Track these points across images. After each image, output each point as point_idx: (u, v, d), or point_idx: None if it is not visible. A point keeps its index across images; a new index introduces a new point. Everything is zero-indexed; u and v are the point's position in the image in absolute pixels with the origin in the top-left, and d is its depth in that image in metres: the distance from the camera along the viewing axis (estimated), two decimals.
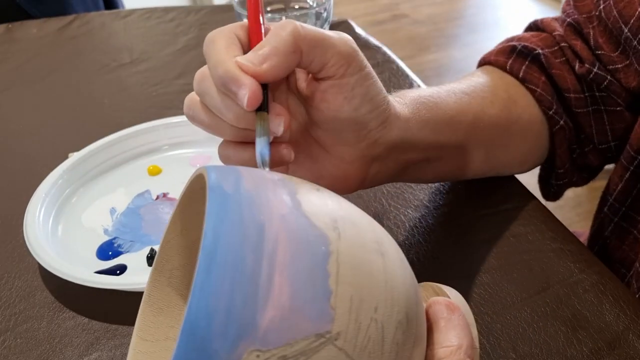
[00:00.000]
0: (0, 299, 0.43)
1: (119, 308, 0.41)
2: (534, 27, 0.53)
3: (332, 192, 0.26)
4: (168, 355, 0.29)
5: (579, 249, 0.43)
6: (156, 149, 0.56)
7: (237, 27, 0.32)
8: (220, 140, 0.34)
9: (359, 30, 0.77)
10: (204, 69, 0.32)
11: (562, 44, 0.49)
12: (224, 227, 0.19)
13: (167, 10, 0.88)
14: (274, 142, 0.32)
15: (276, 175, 0.24)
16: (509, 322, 0.38)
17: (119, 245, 0.46)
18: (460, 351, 0.25)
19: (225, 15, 0.83)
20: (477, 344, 0.28)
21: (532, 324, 0.38)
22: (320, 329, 0.20)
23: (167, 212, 0.49)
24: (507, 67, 0.49)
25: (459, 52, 2.33)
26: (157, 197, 0.51)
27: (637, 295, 0.46)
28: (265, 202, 0.21)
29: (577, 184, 0.54)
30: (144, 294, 0.29)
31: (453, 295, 0.29)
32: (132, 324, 0.29)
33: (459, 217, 0.47)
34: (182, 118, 0.57)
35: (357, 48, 0.33)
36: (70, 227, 0.48)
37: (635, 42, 0.44)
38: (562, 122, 0.48)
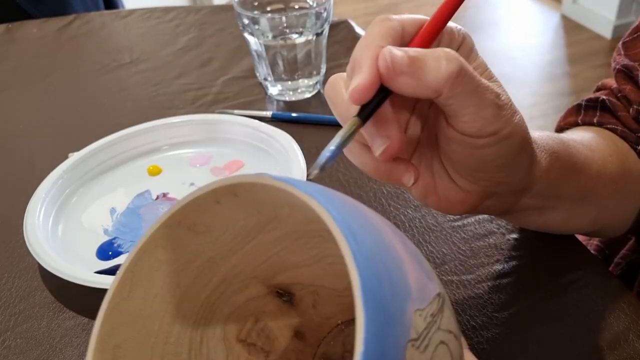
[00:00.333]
0: (0, 299, 0.43)
1: None
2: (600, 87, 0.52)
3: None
4: None
5: (579, 249, 0.43)
6: (156, 149, 0.56)
7: (407, 21, 0.29)
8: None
9: (358, 30, 0.77)
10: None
11: (619, 94, 0.47)
12: (336, 203, 0.19)
13: (167, 10, 0.88)
14: (398, 159, 0.30)
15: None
16: (509, 322, 0.38)
17: (119, 245, 0.46)
18: (463, 348, 0.26)
19: (225, 15, 0.83)
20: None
21: (532, 324, 0.38)
22: (436, 289, 0.21)
23: None
24: (580, 122, 0.47)
25: None
26: (157, 197, 0.51)
27: None
28: (340, 195, 0.22)
29: None
30: None
31: None
32: None
33: (459, 217, 0.47)
34: (182, 118, 0.57)
35: (504, 108, 0.29)
36: (70, 227, 0.48)
37: None
38: None
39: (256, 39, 0.62)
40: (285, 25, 0.61)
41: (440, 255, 0.44)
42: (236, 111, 0.61)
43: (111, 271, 0.43)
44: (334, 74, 0.32)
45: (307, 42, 0.62)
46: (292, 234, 0.27)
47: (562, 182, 0.37)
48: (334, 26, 0.77)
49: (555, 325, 0.38)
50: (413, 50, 0.27)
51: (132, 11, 0.89)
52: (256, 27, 0.61)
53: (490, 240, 0.45)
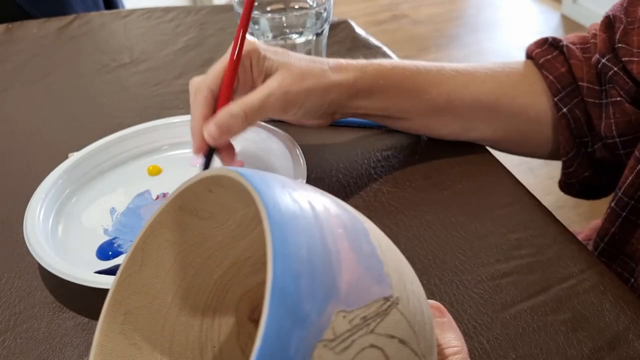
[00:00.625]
0: (0, 299, 0.43)
1: None
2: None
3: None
4: None
5: (579, 250, 0.43)
6: (156, 149, 0.56)
7: (213, 83, 0.45)
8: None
9: (358, 30, 0.77)
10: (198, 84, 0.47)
11: (592, 41, 0.52)
12: (283, 202, 0.20)
13: (167, 10, 0.88)
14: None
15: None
16: (509, 322, 0.38)
17: (119, 245, 0.46)
18: (464, 352, 0.26)
19: (224, 15, 0.83)
20: None
21: (532, 324, 0.38)
22: (385, 292, 0.21)
23: None
24: (533, 54, 0.54)
25: (459, 52, 2.33)
26: (157, 197, 0.51)
27: None
28: (302, 186, 0.23)
29: (597, 181, 0.55)
30: (94, 345, 0.27)
31: None
32: None
33: (459, 216, 0.47)
34: (182, 118, 0.57)
35: (289, 94, 0.45)
36: (70, 227, 0.48)
37: None
38: (565, 110, 0.51)
39: (256, 39, 0.62)
40: (285, 25, 0.61)
41: (440, 255, 0.44)
42: None
43: (111, 271, 0.43)
44: None
45: (307, 42, 0.62)
46: None
47: (389, 95, 0.50)
48: (334, 26, 0.77)
49: (555, 325, 0.38)
50: (216, 120, 0.44)
51: (132, 11, 0.89)
52: (256, 27, 0.61)
53: (490, 240, 0.45)
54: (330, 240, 0.20)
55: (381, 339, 0.20)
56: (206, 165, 0.46)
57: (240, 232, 0.28)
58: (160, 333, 0.28)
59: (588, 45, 0.52)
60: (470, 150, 0.54)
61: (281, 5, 0.64)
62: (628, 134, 0.49)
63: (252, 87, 0.47)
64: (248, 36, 0.47)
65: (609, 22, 0.50)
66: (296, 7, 0.64)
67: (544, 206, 0.48)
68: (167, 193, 0.52)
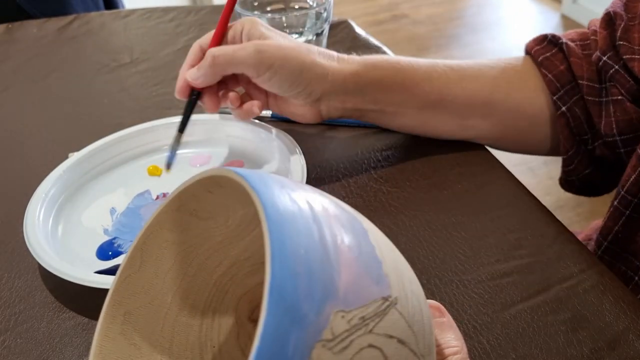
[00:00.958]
0: (0, 299, 0.43)
1: None
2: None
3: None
4: None
5: (579, 250, 0.43)
6: (156, 149, 0.56)
7: (203, 41, 0.49)
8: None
9: (358, 30, 0.77)
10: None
11: (592, 38, 0.51)
12: (281, 202, 0.20)
13: (167, 10, 0.88)
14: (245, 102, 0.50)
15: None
16: (509, 322, 0.38)
17: (119, 245, 0.46)
18: (464, 352, 0.26)
19: None
20: None
21: (532, 324, 0.38)
22: (384, 292, 0.21)
23: None
24: (532, 52, 0.53)
25: (459, 52, 2.33)
26: (158, 197, 0.51)
27: None
28: (301, 186, 0.23)
29: (599, 178, 0.55)
30: (94, 345, 0.26)
31: None
32: None
33: (459, 217, 0.47)
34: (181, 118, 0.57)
35: (263, 53, 0.45)
36: (70, 227, 0.48)
37: None
38: (564, 109, 0.51)
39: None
40: (285, 25, 0.61)
41: (440, 255, 0.44)
42: None
43: (111, 271, 0.43)
44: None
45: (307, 42, 0.62)
46: None
47: (379, 89, 0.50)
48: (334, 26, 0.77)
49: (555, 325, 0.38)
50: (198, 64, 0.48)
51: (132, 11, 0.89)
52: None
53: (490, 240, 0.45)
54: (328, 240, 0.20)
55: (380, 339, 0.20)
56: (188, 109, 0.50)
57: (240, 232, 0.28)
58: (160, 333, 0.28)
59: (588, 41, 0.52)
60: (470, 150, 0.54)
61: (281, 5, 0.64)
62: (628, 133, 0.49)
63: None
64: (254, 18, 0.50)
65: (609, 19, 0.50)
66: (296, 7, 0.64)
67: (543, 206, 0.48)
68: (167, 193, 0.51)
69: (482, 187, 0.50)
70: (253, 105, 0.49)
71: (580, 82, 0.51)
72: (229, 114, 0.60)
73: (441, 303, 0.39)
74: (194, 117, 0.57)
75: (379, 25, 2.57)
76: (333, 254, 0.19)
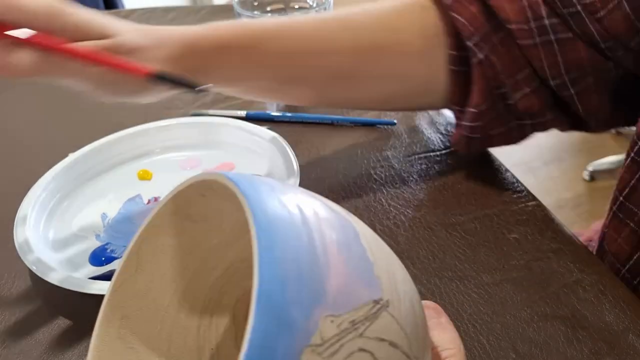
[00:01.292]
0: (0, 299, 0.43)
1: None
2: None
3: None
4: None
5: (579, 249, 0.43)
6: (146, 152, 0.55)
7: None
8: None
9: None
10: None
11: None
12: (270, 207, 0.20)
13: (167, 10, 0.88)
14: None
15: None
16: (509, 322, 0.38)
17: (112, 251, 0.46)
18: (461, 354, 0.26)
19: (225, 15, 0.83)
20: None
21: (532, 323, 0.38)
22: (375, 295, 0.20)
23: None
24: None
25: None
26: (149, 201, 0.51)
27: None
28: (292, 189, 0.23)
29: (501, 140, 0.50)
30: (91, 350, 0.26)
31: None
32: None
33: (458, 216, 0.47)
34: (172, 121, 0.56)
35: (54, 7, 0.37)
36: (61, 233, 0.48)
37: None
38: (481, 56, 0.46)
39: None
40: None
41: (440, 255, 0.44)
42: (210, 111, 0.62)
43: (106, 277, 0.43)
44: None
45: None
46: None
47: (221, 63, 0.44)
48: None
49: (555, 325, 0.38)
50: None
51: (132, 11, 0.89)
52: None
53: (490, 239, 0.45)
54: (318, 244, 0.20)
55: (370, 343, 0.20)
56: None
57: (235, 234, 0.28)
58: (158, 336, 0.28)
59: None
60: None
61: (281, 6, 0.64)
62: (577, 71, 0.45)
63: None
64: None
65: None
66: (296, 7, 0.64)
67: (543, 206, 0.48)
68: (159, 197, 0.51)
69: (481, 187, 0.50)
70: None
71: (509, 26, 0.45)
72: (203, 114, 0.59)
73: (441, 303, 0.39)
74: (183, 120, 0.56)
75: None
76: (322, 258, 0.19)
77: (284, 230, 0.19)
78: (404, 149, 0.55)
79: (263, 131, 0.53)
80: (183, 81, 0.40)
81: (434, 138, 0.56)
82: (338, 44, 0.47)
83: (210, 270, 0.30)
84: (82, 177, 0.53)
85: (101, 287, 0.39)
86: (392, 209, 0.48)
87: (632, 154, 0.44)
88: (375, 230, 0.46)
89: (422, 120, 0.59)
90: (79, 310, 0.41)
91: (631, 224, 0.44)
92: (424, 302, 0.28)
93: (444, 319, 0.28)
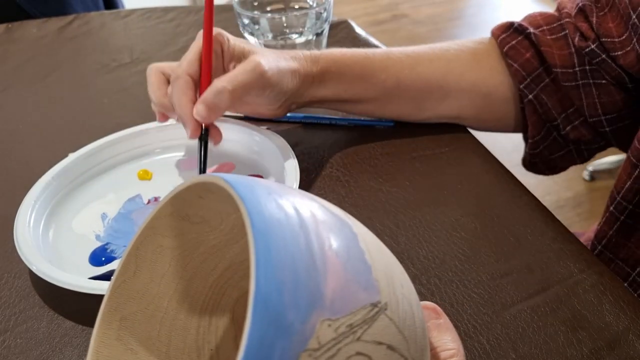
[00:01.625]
0: (0, 299, 0.43)
1: None
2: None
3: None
4: None
5: (579, 250, 0.43)
6: (146, 152, 0.55)
7: (189, 68, 0.47)
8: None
9: (358, 30, 0.77)
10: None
11: (566, 20, 0.53)
12: (267, 210, 0.20)
13: (166, 10, 0.88)
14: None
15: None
16: (509, 322, 0.38)
17: (111, 251, 0.46)
18: (461, 355, 0.26)
19: (225, 15, 0.83)
20: None
21: (532, 324, 0.38)
22: (372, 298, 0.20)
23: None
24: (498, 40, 0.55)
25: None
26: (149, 202, 0.51)
27: None
28: (290, 191, 0.22)
29: (566, 161, 0.58)
30: (90, 352, 0.26)
31: None
32: None
33: (459, 217, 0.47)
34: (172, 121, 0.56)
35: (269, 72, 0.46)
36: (61, 232, 0.48)
37: None
38: (530, 96, 0.54)
39: (256, 39, 0.62)
40: (285, 25, 0.61)
41: (440, 255, 0.44)
42: None
43: (106, 277, 0.43)
44: None
45: (307, 42, 0.62)
46: None
47: (340, 82, 0.52)
48: (334, 26, 0.77)
49: (555, 325, 0.38)
50: (203, 99, 0.45)
51: (132, 11, 0.89)
52: (256, 27, 0.61)
53: (490, 239, 0.45)
54: (315, 247, 0.20)
55: (368, 346, 0.20)
56: (204, 149, 0.47)
57: (234, 235, 0.28)
58: (157, 338, 0.28)
59: (556, 24, 0.53)
60: (471, 150, 0.54)
61: (281, 5, 0.64)
62: (613, 112, 0.52)
63: (224, 72, 0.48)
64: (218, 28, 0.49)
65: (584, 14, 0.52)
66: (296, 7, 0.64)
67: (543, 206, 0.48)
68: (159, 197, 0.51)
69: (482, 186, 0.50)
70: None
71: (555, 69, 0.52)
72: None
73: (441, 303, 0.39)
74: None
75: (379, 25, 2.57)
76: (320, 261, 0.19)
77: (281, 234, 0.19)
78: (403, 149, 0.55)
79: (263, 131, 0.53)
80: (203, 158, 0.47)
81: (433, 138, 0.56)
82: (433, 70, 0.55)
83: (209, 271, 0.30)
84: (82, 177, 0.52)
85: (101, 287, 0.39)
86: (392, 209, 0.48)
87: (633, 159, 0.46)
88: (375, 230, 0.46)
89: None
90: (79, 311, 0.41)
91: None
92: (424, 302, 0.28)
93: (444, 319, 0.28)
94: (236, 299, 0.31)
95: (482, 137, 0.57)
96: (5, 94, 0.71)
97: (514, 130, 0.59)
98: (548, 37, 0.53)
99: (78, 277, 0.40)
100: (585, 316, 0.38)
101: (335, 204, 0.25)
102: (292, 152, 0.50)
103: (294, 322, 0.18)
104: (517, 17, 0.57)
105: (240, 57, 0.48)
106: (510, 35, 0.55)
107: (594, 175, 1.69)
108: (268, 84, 0.47)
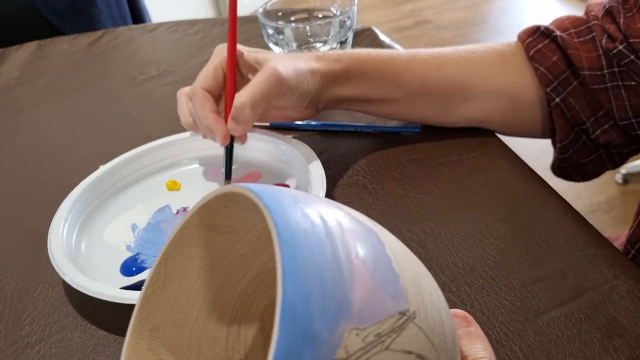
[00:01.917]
0: (35, 309, 0.44)
1: None
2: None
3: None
4: None
5: (613, 254, 0.42)
6: (174, 163, 0.56)
7: (204, 83, 0.48)
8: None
9: (382, 37, 0.77)
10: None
11: (593, 22, 0.52)
12: (293, 219, 0.20)
13: (192, 23, 0.89)
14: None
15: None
16: (542, 330, 0.38)
17: (142, 261, 0.46)
18: None
19: (249, 25, 0.84)
20: None
21: (566, 331, 0.37)
22: (401, 307, 0.20)
23: None
24: (524, 44, 0.54)
25: None
26: (178, 212, 0.51)
27: None
28: (316, 200, 0.22)
29: (596, 166, 0.57)
30: None
31: None
32: None
33: (488, 222, 0.46)
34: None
35: (286, 77, 0.47)
36: (93, 243, 0.48)
37: None
38: (557, 100, 0.53)
39: (281, 49, 0.62)
40: (309, 34, 0.61)
41: (470, 262, 0.43)
42: None
43: (137, 286, 0.43)
44: None
45: (332, 50, 0.62)
46: None
47: (364, 81, 0.52)
48: (357, 34, 0.77)
49: (590, 332, 0.37)
50: (231, 116, 0.47)
51: (159, 25, 0.91)
52: (281, 37, 0.62)
53: (521, 245, 0.44)
54: (342, 256, 0.19)
55: (397, 355, 0.19)
56: (228, 155, 0.50)
57: (261, 244, 0.28)
58: (187, 347, 0.29)
59: (583, 27, 0.53)
60: (498, 154, 0.54)
61: (305, 15, 0.65)
62: None
63: (244, 82, 0.49)
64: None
65: (611, 16, 0.51)
66: (320, 16, 0.64)
67: (575, 210, 0.47)
68: (187, 207, 0.52)
69: (511, 191, 0.49)
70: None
71: (582, 72, 0.51)
72: None
73: (471, 311, 0.38)
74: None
75: (402, 31, 2.56)
76: (346, 270, 0.19)
77: (307, 243, 0.19)
78: (430, 155, 0.54)
79: (290, 140, 0.53)
80: (228, 165, 0.50)
81: (460, 143, 0.55)
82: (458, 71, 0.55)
83: (238, 280, 0.30)
84: (113, 188, 0.54)
85: (132, 297, 0.40)
86: (419, 215, 0.48)
87: None
88: (403, 237, 0.46)
89: None
90: (112, 320, 0.42)
91: None
92: (454, 310, 0.28)
93: (474, 327, 0.27)
94: (264, 307, 0.31)
95: (510, 141, 0.56)
96: (38, 109, 0.73)
97: (542, 135, 0.58)
98: (575, 40, 0.52)
99: (110, 287, 0.41)
100: (621, 323, 0.37)
101: (361, 211, 0.25)
102: (318, 160, 0.50)
103: (321, 331, 0.17)
104: (542, 19, 0.56)
105: (258, 64, 0.49)
106: (537, 39, 0.54)
107: (627, 179, 1.65)
108: (288, 88, 0.48)
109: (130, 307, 0.28)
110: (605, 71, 0.51)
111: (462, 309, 0.29)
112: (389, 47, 0.75)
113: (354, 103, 0.55)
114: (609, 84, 0.51)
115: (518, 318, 0.38)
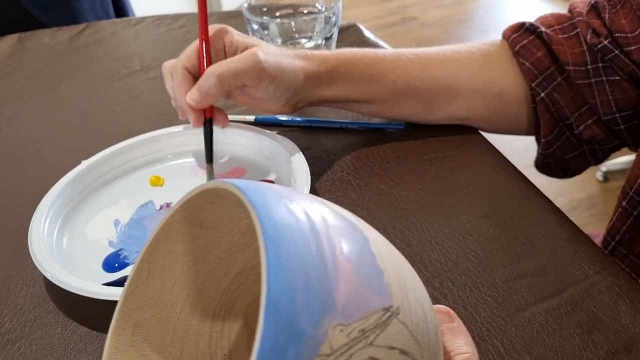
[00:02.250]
0: (16, 306, 0.44)
1: None
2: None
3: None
4: None
5: (594, 251, 0.43)
6: (157, 159, 0.56)
7: (186, 62, 0.50)
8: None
9: (367, 33, 0.77)
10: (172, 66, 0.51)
11: (578, 19, 0.53)
12: (278, 215, 0.20)
13: (176, 17, 0.89)
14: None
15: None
16: (523, 325, 0.38)
17: (125, 257, 0.46)
18: (475, 358, 0.26)
19: (234, 20, 0.84)
20: None
21: (547, 326, 0.38)
22: (385, 303, 0.20)
23: None
24: (509, 40, 0.55)
25: None
26: (161, 208, 0.51)
27: None
28: (300, 196, 0.22)
29: (579, 162, 0.57)
30: (104, 358, 0.27)
31: None
32: None
33: (471, 219, 0.47)
34: (183, 127, 0.56)
35: (264, 63, 0.47)
36: (75, 239, 0.48)
37: None
38: (543, 95, 0.53)
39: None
40: (294, 30, 0.61)
41: (453, 258, 0.43)
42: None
43: (119, 282, 0.43)
44: None
45: (317, 46, 0.62)
46: None
47: (350, 82, 0.52)
48: (342, 30, 0.77)
49: (570, 328, 0.38)
50: (196, 85, 0.48)
51: (142, 19, 0.90)
52: (266, 32, 0.62)
53: (503, 242, 0.44)
54: (326, 252, 0.20)
55: (381, 351, 0.19)
56: (208, 138, 0.50)
57: (246, 240, 0.28)
58: (170, 343, 0.28)
59: (567, 24, 0.53)
60: (483, 152, 0.54)
61: (290, 11, 0.64)
62: (627, 109, 0.52)
63: None
64: (219, 25, 0.51)
65: (596, 11, 0.52)
66: (305, 11, 0.64)
67: (556, 207, 0.48)
68: (171, 203, 0.51)
69: (494, 189, 0.50)
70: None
71: (567, 67, 0.52)
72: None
73: (454, 306, 0.39)
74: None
75: (388, 28, 2.57)
76: (331, 266, 0.19)
77: (292, 239, 0.19)
78: (414, 151, 0.55)
79: (274, 136, 0.53)
80: (209, 148, 0.50)
81: (444, 140, 0.56)
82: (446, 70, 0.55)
83: (222, 276, 0.30)
84: (95, 183, 0.53)
85: (115, 293, 0.39)
86: (403, 212, 0.48)
87: None
88: (387, 233, 0.46)
89: None
90: (94, 317, 0.42)
91: None
92: (437, 306, 0.28)
93: (457, 323, 0.28)
94: (249, 303, 0.31)
95: (494, 139, 0.57)
96: (18, 102, 0.72)
97: (527, 132, 0.58)
98: (560, 36, 0.53)
99: (92, 284, 0.41)
100: (601, 318, 0.38)
101: (346, 208, 0.25)
102: (303, 156, 0.50)
103: (306, 327, 0.18)
104: (526, 17, 0.57)
105: (243, 49, 0.50)
106: (522, 35, 0.54)
107: (607, 176, 1.68)
108: (264, 75, 0.47)
109: (112, 304, 0.28)
110: (590, 67, 0.51)
111: (445, 305, 0.29)
112: (373, 43, 0.75)
113: (337, 103, 0.55)
114: (592, 80, 0.51)
115: (500, 313, 0.39)
